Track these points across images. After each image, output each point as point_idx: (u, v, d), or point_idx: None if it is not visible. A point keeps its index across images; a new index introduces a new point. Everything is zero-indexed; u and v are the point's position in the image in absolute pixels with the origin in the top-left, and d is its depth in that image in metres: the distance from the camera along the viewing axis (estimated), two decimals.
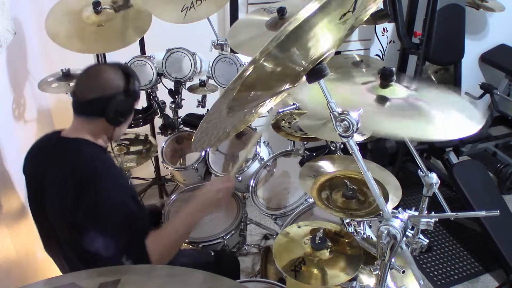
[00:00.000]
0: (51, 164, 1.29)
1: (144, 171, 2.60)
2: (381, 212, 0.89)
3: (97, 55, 2.15)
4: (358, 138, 1.44)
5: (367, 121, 0.93)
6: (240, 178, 1.92)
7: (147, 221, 1.34)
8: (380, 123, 0.96)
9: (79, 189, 1.20)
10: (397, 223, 0.87)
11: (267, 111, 1.26)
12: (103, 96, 1.25)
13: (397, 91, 1.02)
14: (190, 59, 2.02)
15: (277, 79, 0.87)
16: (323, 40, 0.80)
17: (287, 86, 0.95)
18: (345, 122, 0.81)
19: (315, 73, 0.85)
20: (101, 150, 1.33)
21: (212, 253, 1.66)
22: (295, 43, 0.75)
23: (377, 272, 1.03)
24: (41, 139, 1.38)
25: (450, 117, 0.98)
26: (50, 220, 1.33)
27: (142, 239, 1.22)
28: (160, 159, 2.06)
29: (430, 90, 1.10)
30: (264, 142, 2.03)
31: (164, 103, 2.16)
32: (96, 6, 1.76)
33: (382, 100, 1.00)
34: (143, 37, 2.27)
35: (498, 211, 0.89)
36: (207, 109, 2.20)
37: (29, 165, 1.37)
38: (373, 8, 0.91)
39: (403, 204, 1.05)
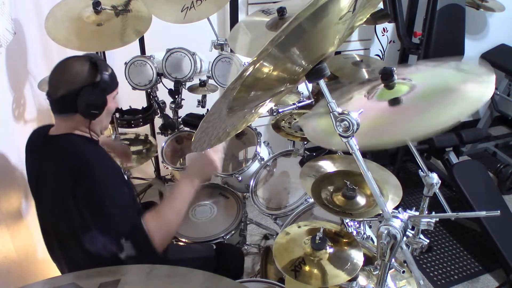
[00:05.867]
0: (43, 163, 1.29)
1: (144, 171, 2.60)
2: (381, 212, 0.89)
3: (97, 54, 2.15)
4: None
5: (397, 129, 0.91)
6: (240, 178, 1.92)
7: (138, 202, 1.32)
8: (408, 126, 0.92)
9: (73, 180, 1.19)
10: (397, 223, 0.86)
11: None
12: (72, 90, 1.22)
13: (403, 87, 0.99)
14: (190, 59, 2.02)
15: (277, 79, 0.87)
16: (323, 40, 0.80)
17: (287, 86, 0.95)
18: (345, 122, 0.81)
19: (315, 73, 0.85)
20: (89, 141, 1.31)
21: (214, 247, 1.66)
22: (295, 43, 0.75)
23: (377, 272, 1.03)
24: (32, 137, 1.38)
25: (466, 87, 0.93)
26: (49, 217, 1.35)
27: (138, 219, 1.19)
28: (160, 159, 2.06)
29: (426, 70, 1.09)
30: (264, 142, 2.03)
31: (164, 103, 2.16)
32: (96, 6, 1.76)
33: (395, 102, 0.97)
34: (143, 37, 2.28)
35: (499, 211, 0.89)
36: (207, 109, 2.20)
37: (27, 163, 1.38)
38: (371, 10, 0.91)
39: (404, 204, 1.05)
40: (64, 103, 1.24)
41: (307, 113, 1.20)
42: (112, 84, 1.31)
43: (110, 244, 1.18)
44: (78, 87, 1.22)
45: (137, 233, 1.17)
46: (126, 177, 1.37)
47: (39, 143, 1.33)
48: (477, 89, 0.90)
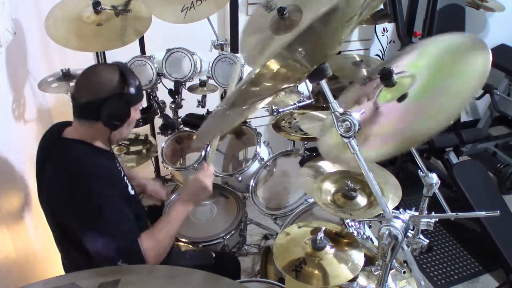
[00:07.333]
0: (49, 161, 1.29)
1: (144, 171, 2.60)
2: (382, 212, 0.89)
3: (97, 54, 2.15)
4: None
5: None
6: (240, 178, 1.92)
7: (137, 222, 1.32)
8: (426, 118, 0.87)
9: (69, 192, 1.20)
10: (398, 224, 0.87)
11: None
12: (97, 99, 1.21)
13: (404, 81, 0.97)
14: (190, 59, 2.02)
15: (281, 78, 0.86)
16: (328, 42, 0.80)
17: (289, 84, 0.94)
18: (347, 123, 0.81)
19: (317, 73, 0.85)
20: (96, 153, 1.30)
21: (213, 255, 1.66)
22: (302, 45, 0.74)
23: (378, 272, 1.03)
24: (48, 132, 1.38)
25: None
26: (47, 215, 1.34)
27: (133, 239, 1.22)
28: (160, 159, 2.06)
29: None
30: (264, 142, 2.03)
31: (164, 103, 2.16)
32: (96, 6, 1.76)
33: (403, 98, 0.92)
34: (143, 37, 2.27)
35: (498, 212, 0.89)
36: (207, 109, 2.20)
37: (37, 156, 1.37)
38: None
39: (403, 204, 1.05)
40: (87, 110, 1.23)
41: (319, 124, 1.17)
42: (138, 96, 1.30)
43: (103, 260, 1.19)
44: (104, 96, 1.21)
45: (133, 255, 1.20)
46: (133, 191, 1.37)
47: (52, 142, 1.31)
48: (477, 61, 0.85)
